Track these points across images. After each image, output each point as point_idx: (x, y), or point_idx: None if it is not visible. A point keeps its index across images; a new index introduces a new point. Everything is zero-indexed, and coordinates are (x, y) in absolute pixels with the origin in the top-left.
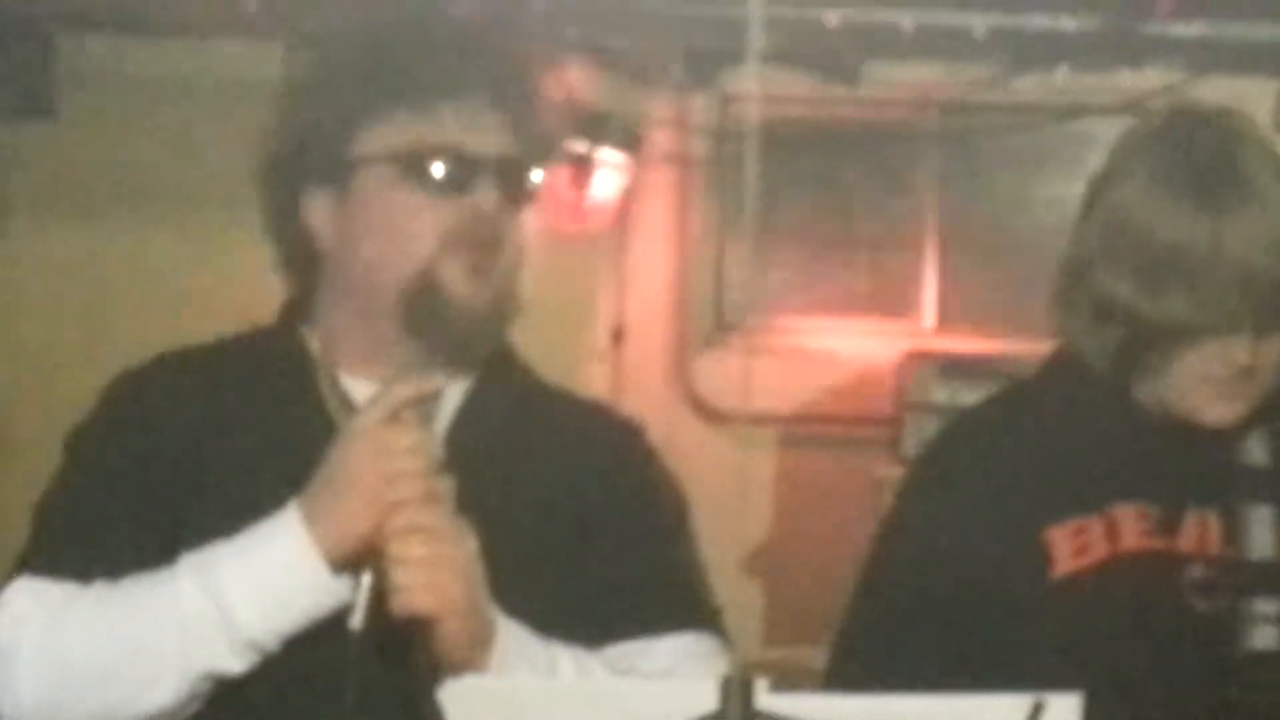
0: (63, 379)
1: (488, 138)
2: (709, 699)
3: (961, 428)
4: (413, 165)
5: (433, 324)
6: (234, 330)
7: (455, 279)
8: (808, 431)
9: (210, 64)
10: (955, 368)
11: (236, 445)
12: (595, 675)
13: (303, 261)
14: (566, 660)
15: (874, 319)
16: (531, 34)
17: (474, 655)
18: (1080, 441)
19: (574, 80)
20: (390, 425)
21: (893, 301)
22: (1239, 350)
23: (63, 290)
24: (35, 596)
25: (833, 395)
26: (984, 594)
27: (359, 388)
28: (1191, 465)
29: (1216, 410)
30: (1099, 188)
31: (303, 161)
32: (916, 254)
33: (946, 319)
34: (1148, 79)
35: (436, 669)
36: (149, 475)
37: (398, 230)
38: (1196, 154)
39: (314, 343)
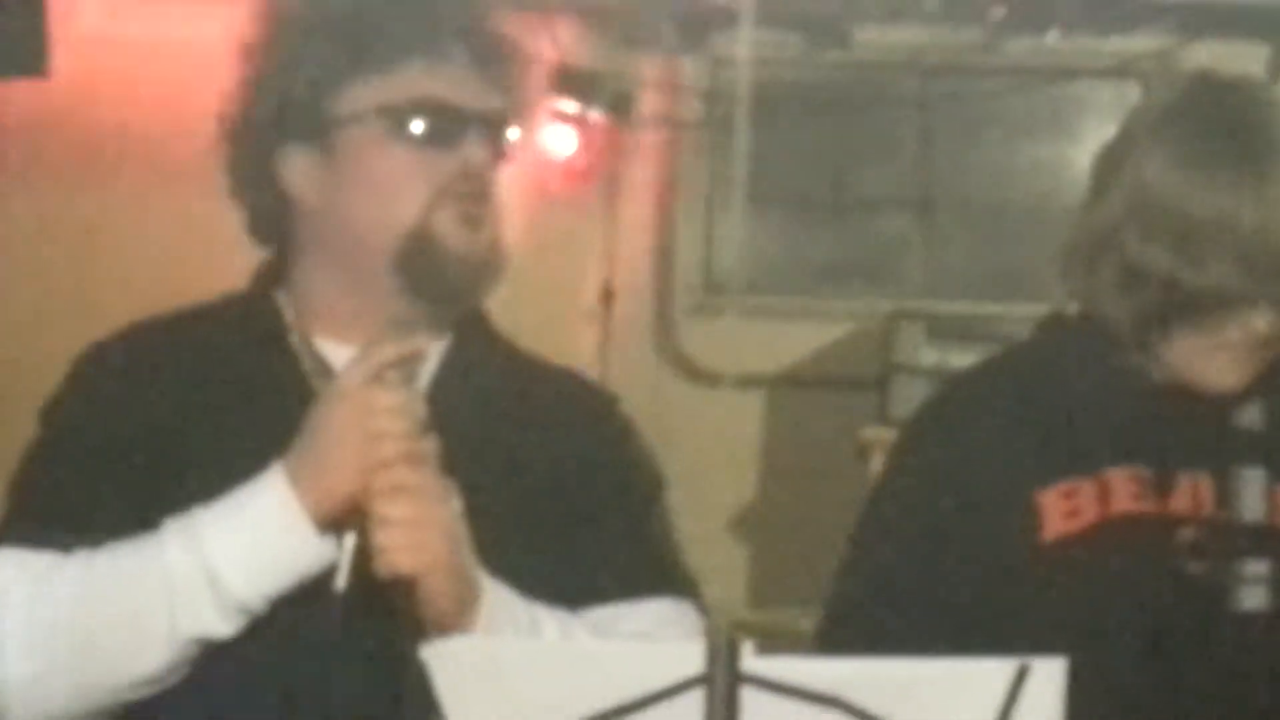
0: (51, 342)
1: (471, 93)
2: (695, 661)
3: (954, 390)
4: (400, 121)
5: (429, 277)
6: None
7: (450, 231)
8: (795, 393)
9: (205, 25)
10: (942, 330)
11: (212, 412)
12: (578, 637)
13: (276, 223)
14: (550, 622)
15: (862, 280)
16: None
17: (459, 615)
18: (1073, 405)
19: (563, 41)
20: (374, 385)
21: (880, 263)
22: (1262, 319)
23: (53, 252)
24: (18, 567)
25: (820, 357)
26: (974, 556)
27: (335, 352)
28: (1185, 428)
29: (1228, 377)
30: (1120, 156)
31: (281, 119)
32: (905, 216)
33: (934, 281)
34: (1138, 43)
35: (421, 629)
36: (124, 444)
37: (389, 188)
38: (1227, 121)
39: (288, 307)
